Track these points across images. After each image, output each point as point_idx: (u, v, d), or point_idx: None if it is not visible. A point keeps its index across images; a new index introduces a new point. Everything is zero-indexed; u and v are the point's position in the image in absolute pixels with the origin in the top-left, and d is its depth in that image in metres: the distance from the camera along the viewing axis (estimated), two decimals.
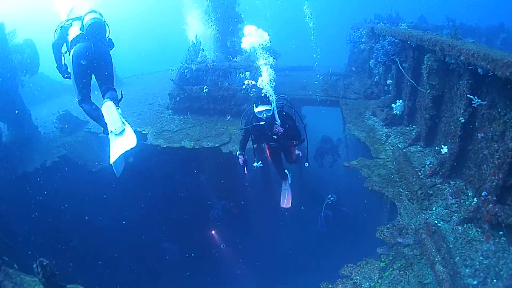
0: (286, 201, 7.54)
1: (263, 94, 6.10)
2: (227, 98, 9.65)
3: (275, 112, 6.00)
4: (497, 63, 3.90)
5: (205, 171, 9.92)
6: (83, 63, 5.49)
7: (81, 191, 8.32)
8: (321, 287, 4.80)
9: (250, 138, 6.55)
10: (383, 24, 9.36)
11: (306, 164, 6.89)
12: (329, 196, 8.42)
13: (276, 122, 6.04)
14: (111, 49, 5.98)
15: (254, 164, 6.53)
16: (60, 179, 8.20)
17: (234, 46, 10.62)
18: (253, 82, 8.97)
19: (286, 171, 7.31)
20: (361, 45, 10.65)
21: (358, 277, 4.78)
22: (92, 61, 5.56)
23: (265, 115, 5.88)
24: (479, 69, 4.40)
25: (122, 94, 5.84)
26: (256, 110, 5.89)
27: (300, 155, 7.33)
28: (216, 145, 8.46)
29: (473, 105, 4.83)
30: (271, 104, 5.90)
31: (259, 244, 9.76)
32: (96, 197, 8.60)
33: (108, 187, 8.32)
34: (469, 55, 4.53)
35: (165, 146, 8.59)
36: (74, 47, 5.52)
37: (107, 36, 5.84)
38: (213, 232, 9.53)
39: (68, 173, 8.44)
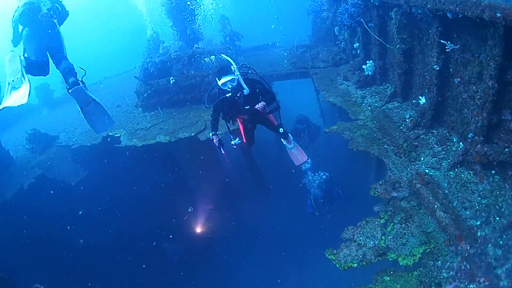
0: (300, 157, 7.44)
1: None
2: (196, 85, 9.39)
3: (241, 80, 5.73)
4: (466, 4, 3.92)
5: (185, 162, 9.77)
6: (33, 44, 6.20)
7: (63, 208, 8.07)
8: (325, 254, 4.79)
9: (221, 116, 6.24)
10: None
11: (281, 130, 6.80)
12: (321, 174, 8.22)
13: (244, 90, 5.76)
14: (64, 17, 6.71)
15: (232, 142, 6.29)
16: (41, 200, 7.92)
17: (194, 33, 10.29)
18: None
19: (281, 129, 6.90)
20: (323, 14, 10.58)
21: (361, 238, 4.80)
22: (40, 41, 6.22)
23: (230, 86, 5.65)
24: (448, 13, 4.42)
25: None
26: (220, 82, 5.66)
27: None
28: (192, 134, 8.29)
29: (446, 50, 4.87)
30: (234, 73, 5.66)
31: (258, 222, 9.80)
32: (79, 210, 8.34)
33: (89, 198, 8.07)
34: (436, 1, 4.53)
35: (140, 145, 8.32)
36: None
37: (44, 10, 6.29)
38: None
39: (47, 192, 8.13)
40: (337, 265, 4.57)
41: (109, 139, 8.76)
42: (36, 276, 6.80)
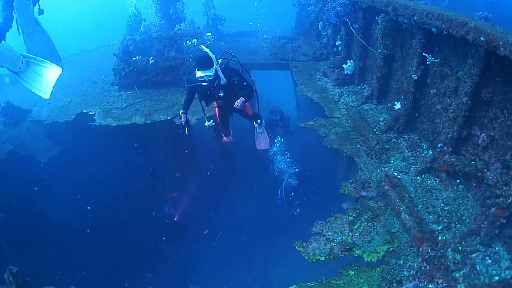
0: (263, 143, 7.61)
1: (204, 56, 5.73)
2: (175, 67, 9.20)
3: (219, 72, 5.72)
4: (452, 23, 4.12)
5: (160, 146, 9.65)
6: None
7: (35, 186, 7.81)
8: (295, 247, 4.96)
9: (196, 96, 6.25)
10: None
11: (258, 121, 6.90)
12: (294, 167, 8.39)
13: (221, 81, 5.78)
14: None
15: (206, 124, 6.33)
16: (12, 177, 7.60)
17: (177, 13, 10.02)
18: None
19: (258, 120, 7.19)
20: (309, 8, 10.62)
21: (329, 233, 5.00)
22: None
23: (206, 79, 5.64)
24: (433, 28, 4.62)
25: None
26: (197, 75, 5.65)
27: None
28: (169, 117, 8.19)
29: (427, 63, 5.11)
30: (211, 69, 5.62)
31: (229, 213, 9.89)
32: (50, 189, 8.12)
33: (61, 177, 7.83)
34: (423, 15, 4.71)
35: (115, 125, 8.14)
36: None
37: None
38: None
39: (18, 170, 7.84)
40: (305, 257, 4.74)
41: (82, 117, 8.49)
42: (9, 257, 6.62)
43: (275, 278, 9.06)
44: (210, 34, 9.65)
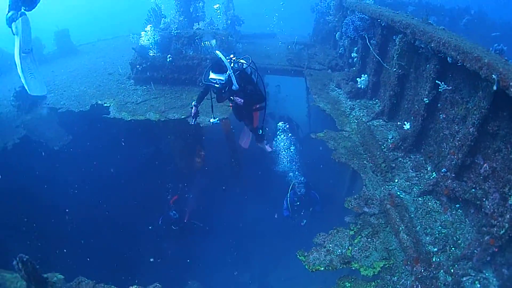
0: (244, 142, 7.73)
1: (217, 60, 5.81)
2: (192, 67, 9.37)
3: (232, 78, 5.78)
4: (467, 56, 4.23)
5: (171, 144, 9.79)
6: None
7: (45, 173, 7.97)
8: (297, 255, 5.12)
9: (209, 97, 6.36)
10: None
11: (260, 131, 7.00)
12: (301, 178, 8.44)
13: (233, 86, 5.84)
14: None
15: (211, 120, 6.48)
16: (24, 163, 7.76)
17: (197, 11, 10.17)
18: None
19: (260, 131, 7.13)
20: (328, 17, 10.69)
21: (330, 245, 5.15)
22: None
23: (218, 83, 5.72)
24: (448, 58, 4.74)
25: None
26: (210, 76, 5.76)
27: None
28: (183, 116, 8.32)
29: (439, 90, 5.22)
30: (224, 73, 5.69)
31: (234, 220, 10.03)
32: (61, 178, 8.28)
33: (72, 165, 7.97)
34: (440, 44, 4.83)
35: (129, 119, 8.25)
36: None
37: None
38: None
39: (31, 155, 8.00)
40: (306, 266, 4.91)
41: (97, 108, 8.62)
42: (12, 240, 6.82)
43: (274, 282, 9.24)
44: (218, 6, 9.70)
